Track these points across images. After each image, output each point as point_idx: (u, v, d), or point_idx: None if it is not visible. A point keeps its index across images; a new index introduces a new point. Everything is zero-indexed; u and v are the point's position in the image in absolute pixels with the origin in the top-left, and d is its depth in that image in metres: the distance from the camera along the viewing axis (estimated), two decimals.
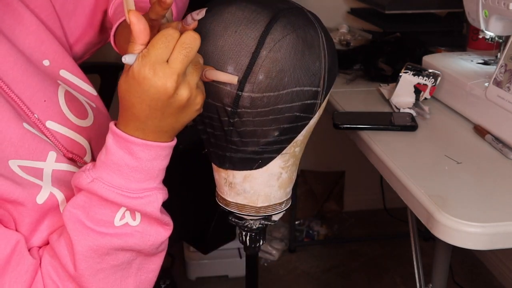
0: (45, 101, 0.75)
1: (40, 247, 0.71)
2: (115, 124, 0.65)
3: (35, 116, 0.73)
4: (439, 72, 1.21)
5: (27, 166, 0.69)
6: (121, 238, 0.66)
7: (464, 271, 2.07)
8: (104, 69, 1.69)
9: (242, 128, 0.72)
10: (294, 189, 2.31)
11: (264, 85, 0.68)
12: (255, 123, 0.71)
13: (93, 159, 0.79)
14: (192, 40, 0.60)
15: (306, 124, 0.75)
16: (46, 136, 0.73)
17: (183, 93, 0.61)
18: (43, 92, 0.76)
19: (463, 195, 0.87)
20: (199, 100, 0.64)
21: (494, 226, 0.79)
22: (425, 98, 1.21)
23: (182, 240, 1.90)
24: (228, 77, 0.68)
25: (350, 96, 1.32)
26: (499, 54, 1.22)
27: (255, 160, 0.76)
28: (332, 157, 2.34)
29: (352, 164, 2.30)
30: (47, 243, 0.71)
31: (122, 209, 0.66)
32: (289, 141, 0.75)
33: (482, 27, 1.19)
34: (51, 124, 0.75)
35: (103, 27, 0.94)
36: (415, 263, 1.25)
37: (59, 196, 0.70)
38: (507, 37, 1.11)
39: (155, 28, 0.67)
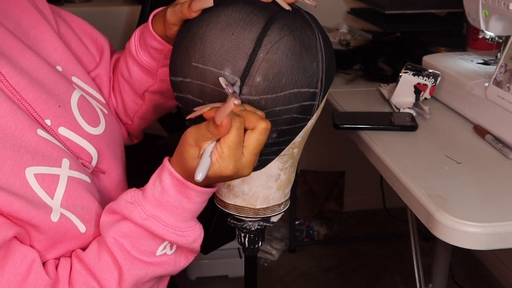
0: (59, 106, 0.75)
1: (57, 264, 0.71)
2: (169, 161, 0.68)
3: (46, 123, 0.72)
4: (439, 72, 1.21)
5: (44, 174, 0.68)
6: (161, 266, 0.71)
7: (464, 271, 2.07)
8: None
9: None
10: (294, 189, 2.31)
11: (261, 87, 0.68)
12: None
13: (97, 167, 0.79)
14: (265, 135, 0.64)
15: (304, 125, 0.74)
16: (60, 142, 0.73)
17: (247, 171, 0.66)
18: (58, 97, 0.76)
19: (463, 195, 0.87)
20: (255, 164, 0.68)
21: (494, 226, 0.79)
22: (425, 98, 1.21)
23: None
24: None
25: (350, 96, 1.32)
26: (499, 54, 1.22)
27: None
28: (332, 157, 2.34)
29: (352, 164, 2.30)
30: (61, 256, 0.72)
31: (166, 242, 0.71)
32: (287, 142, 0.75)
33: (482, 27, 1.19)
34: (63, 131, 0.75)
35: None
36: (415, 263, 1.25)
37: (72, 217, 0.71)
38: (507, 37, 1.11)
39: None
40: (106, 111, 0.85)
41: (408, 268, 2.01)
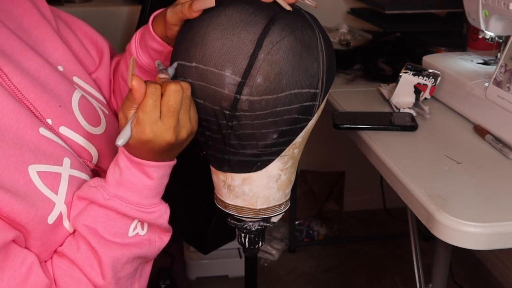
0: (60, 106, 0.76)
1: (46, 262, 0.72)
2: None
3: (48, 122, 0.73)
4: (439, 72, 1.21)
5: (46, 172, 0.69)
6: (137, 246, 0.73)
7: (464, 271, 2.07)
8: None
9: (240, 131, 0.71)
10: (294, 189, 2.31)
11: (262, 88, 0.68)
12: (253, 126, 0.71)
13: (98, 165, 0.79)
14: (175, 96, 0.65)
15: (305, 126, 0.74)
16: (62, 140, 0.74)
17: (182, 135, 0.67)
18: (59, 97, 0.76)
19: (463, 195, 0.87)
20: (194, 129, 0.70)
21: (494, 226, 0.79)
22: (425, 98, 1.21)
23: (182, 240, 1.90)
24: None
25: (350, 96, 1.32)
26: (499, 54, 1.22)
27: (254, 163, 0.75)
28: (332, 157, 2.34)
29: (352, 164, 2.30)
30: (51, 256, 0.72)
31: (135, 221, 0.72)
32: (288, 143, 0.75)
33: (482, 27, 1.19)
34: (64, 130, 0.75)
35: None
36: (415, 263, 1.25)
37: (65, 214, 0.71)
38: (507, 37, 1.11)
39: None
40: (106, 111, 0.85)
41: (408, 268, 2.01)
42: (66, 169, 0.72)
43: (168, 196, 0.75)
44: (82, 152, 0.77)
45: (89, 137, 0.78)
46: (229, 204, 0.80)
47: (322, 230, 2.30)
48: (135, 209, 0.70)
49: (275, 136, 0.72)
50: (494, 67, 1.12)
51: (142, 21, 1.70)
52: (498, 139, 1.02)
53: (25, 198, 0.66)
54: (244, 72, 0.67)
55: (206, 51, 0.68)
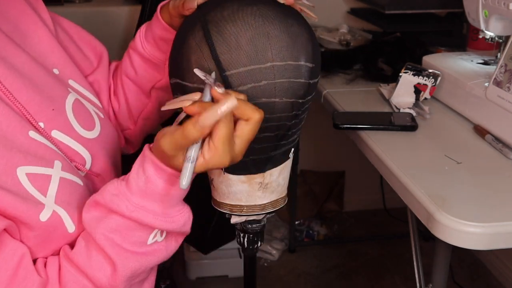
0: (53, 109, 0.75)
1: (45, 262, 0.71)
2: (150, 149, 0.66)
3: (39, 125, 0.72)
4: (439, 72, 1.21)
5: (36, 174, 0.68)
6: (154, 254, 0.71)
7: (464, 271, 2.07)
8: None
9: (302, 116, 0.74)
10: (294, 189, 2.30)
11: (316, 70, 0.73)
12: (307, 108, 0.74)
13: (91, 170, 0.79)
14: (258, 124, 0.62)
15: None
16: (53, 144, 0.73)
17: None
18: (52, 100, 0.76)
19: (463, 195, 0.87)
20: None
21: (494, 226, 0.79)
22: (425, 98, 1.21)
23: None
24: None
25: (350, 96, 1.32)
26: (499, 54, 1.22)
27: (291, 147, 0.77)
28: (332, 157, 2.34)
29: (352, 164, 2.30)
30: (49, 255, 0.71)
31: (156, 230, 0.69)
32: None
33: (482, 27, 1.19)
34: (56, 134, 0.75)
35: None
36: (415, 263, 1.25)
37: (63, 214, 0.70)
38: (507, 37, 1.11)
39: None
40: (102, 115, 0.85)
41: (408, 268, 2.01)
42: (57, 171, 0.71)
43: None
44: (74, 156, 0.76)
45: (82, 141, 0.78)
46: (265, 203, 0.79)
47: (322, 230, 2.30)
48: (161, 220, 0.67)
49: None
50: (494, 67, 1.12)
51: (142, 21, 1.70)
52: (498, 139, 1.02)
53: (15, 195, 0.65)
54: (313, 57, 0.71)
55: (278, 46, 0.68)
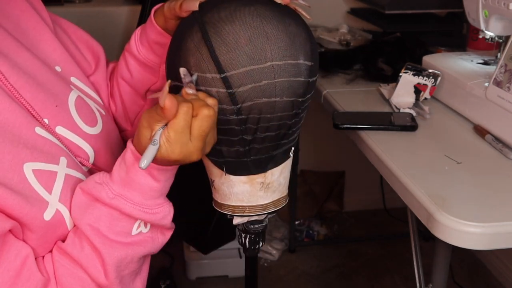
0: (56, 106, 0.76)
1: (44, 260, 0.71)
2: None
3: (44, 121, 0.73)
4: (439, 72, 1.21)
5: (42, 170, 0.69)
6: (140, 245, 0.73)
7: (464, 271, 2.07)
8: None
9: (301, 115, 0.74)
10: (294, 189, 2.30)
11: (315, 68, 0.73)
12: (307, 106, 0.74)
13: (95, 165, 0.80)
14: (208, 121, 0.65)
15: None
16: (58, 140, 0.74)
17: (206, 151, 0.69)
18: (56, 97, 0.76)
19: (463, 195, 0.87)
20: (216, 141, 0.70)
21: (494, 226, 0.79)
22: (425, 98, 1.21)
23: (182, 240, 1.90)
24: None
25: (350, 96, 1.32)
26: (499, 54, 1.22)
27: (292, 146, 0.77)
28: (332, 157, 2.34)
29: (352, 164, 2.30)
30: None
31: (139, 221, 0.72)
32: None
33: (482, 27, 1.19)
34: (60, 130, 0.75)
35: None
36: (415, 263, 1.25)
37: (65, 213, 0.71)
38: (507, 37, 1.11)
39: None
40: (103, 112, 0.86)
41: (408, 268, 2.01)
42: (63, 168, 0.72)
43: (168, 196, 0.75)
44: (78, 151, 0.77)
45: (85, 136, 0.79)
46: (267, 203, 0.79)
47: (322, 230, 2.30)
48: (139, 210, 0.70)
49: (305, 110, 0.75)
50: (494, 67, 1.12)
51: (142, 21, 1.70)
52: (498, 139, 1.02)
53: (20, 194, 0.66)
54: (311, 56, 0.71)
55: (277, 46, 0.69)
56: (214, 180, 0.79)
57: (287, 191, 0.82)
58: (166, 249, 0.80)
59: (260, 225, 0.83)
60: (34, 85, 0.74)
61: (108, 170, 0.82)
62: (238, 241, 0.87)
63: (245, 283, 1.04)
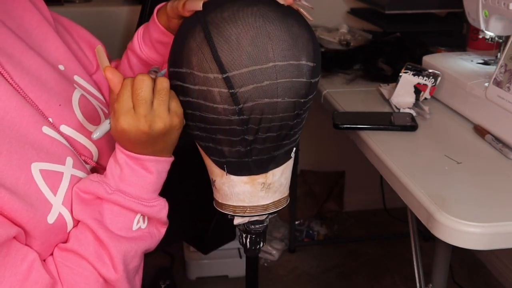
0: (60, 105, 0.76)
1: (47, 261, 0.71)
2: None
3: (49, 120, 0.73)
4: (439, 72, 1.21)
5: (48, 170, 0.69)
6: (141, 240, 0.75)
7: (464, 271, 2.07)
8: None
9: (303, 115, 0.74)
10: (294, 189, 2.30)
11: (317, 68, 0.73)
12: (309, 106, 0.75)
13: (98, 163, 0.80)
14: (141, 85, 0.67)
15: None
16: (64, 138, 0.74)
17: (158, 126, 0.68)
18: (59, 96, 0.77)
19: (463, 195, 0.87)
20: (176, 122, 0.70)
21: (494, 226, 0.79)
22: (425, 98, 1.21)
23: (182, 240, 1.90)
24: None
25: (350, 96, 1.32)
26: (499, 54, 1.22)
27: (293, 146, 0.77)
28: (332, 157, 2.34)
29: (352, 164, 2.30)
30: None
31: (138, 215, 0.74)
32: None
33: (482, 27, 1.19)
34: (64, 129, 0.76)
35: None
36: (415, 263, 1.25)
37: (67, 216, 0.71)
38: (507, 37, 1.11)
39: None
40: (106, 110, 0.86)
41: (408, 268, 2.01)
42: (69, 169, 0.72)
43: (169, 196, 0.75)
44: (83, 150, 0.78)
45: (89, 135, 0.79)
46: (268, 204, 0.79)
47: (322, 230, 2.30)
48: (138, 203, 0.72)
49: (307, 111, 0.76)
50: (494, 67, 1.12)
51: (142, 21, 1.70)
52: (498, 139, 1.02)
53: (25, 197, 0.66)
54: (314, 56, 0.71)
55: (280, 46, 0.69)
56: (215, 180, 0.79)
57: (288, 191, 0.82)
58: (166, 249, 0.81)
59: (261, 225, 0.83)
60: (38, 84, 0.74)
61: None
62: (239, 241, 0.87)
63: (246, 283, 1.04)
